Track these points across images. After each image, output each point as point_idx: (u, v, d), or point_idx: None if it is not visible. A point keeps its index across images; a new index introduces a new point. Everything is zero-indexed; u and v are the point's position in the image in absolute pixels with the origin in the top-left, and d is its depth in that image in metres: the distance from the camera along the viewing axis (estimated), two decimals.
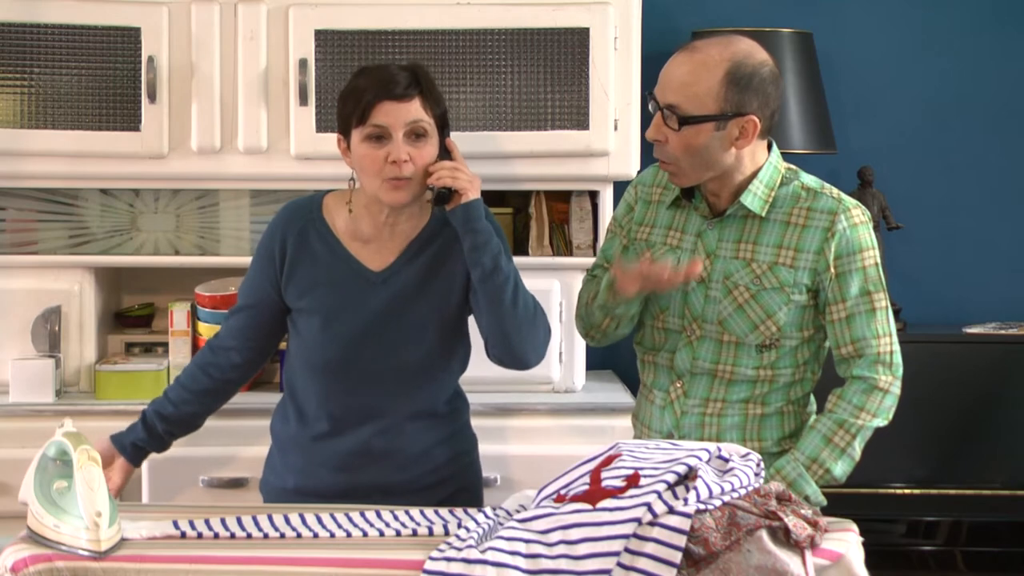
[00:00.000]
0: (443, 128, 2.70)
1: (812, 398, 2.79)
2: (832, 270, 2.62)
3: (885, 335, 2.65)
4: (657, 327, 2.73)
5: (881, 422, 2.66)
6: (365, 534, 2.38)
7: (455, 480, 2.79)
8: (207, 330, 3.56)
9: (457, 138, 2.79)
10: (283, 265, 2.74)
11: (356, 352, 2.69)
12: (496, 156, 3.52)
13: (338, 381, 2.71)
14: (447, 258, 2.72)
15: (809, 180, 2.70)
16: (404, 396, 2.72)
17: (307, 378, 2.74)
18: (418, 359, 2.71)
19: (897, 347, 2.67)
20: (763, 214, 2.64)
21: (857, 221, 2.65)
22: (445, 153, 2.69)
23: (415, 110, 2.63)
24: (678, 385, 2.71)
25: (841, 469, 2.63)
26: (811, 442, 2.63)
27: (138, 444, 2.78)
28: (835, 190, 2.69)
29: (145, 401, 3.46)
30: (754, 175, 2.65)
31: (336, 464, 2.72)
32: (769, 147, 2.69)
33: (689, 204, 2.71)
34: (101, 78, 3.50)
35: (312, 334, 2.72)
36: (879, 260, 2.68)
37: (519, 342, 2.70)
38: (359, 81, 2.67)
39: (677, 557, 2.15)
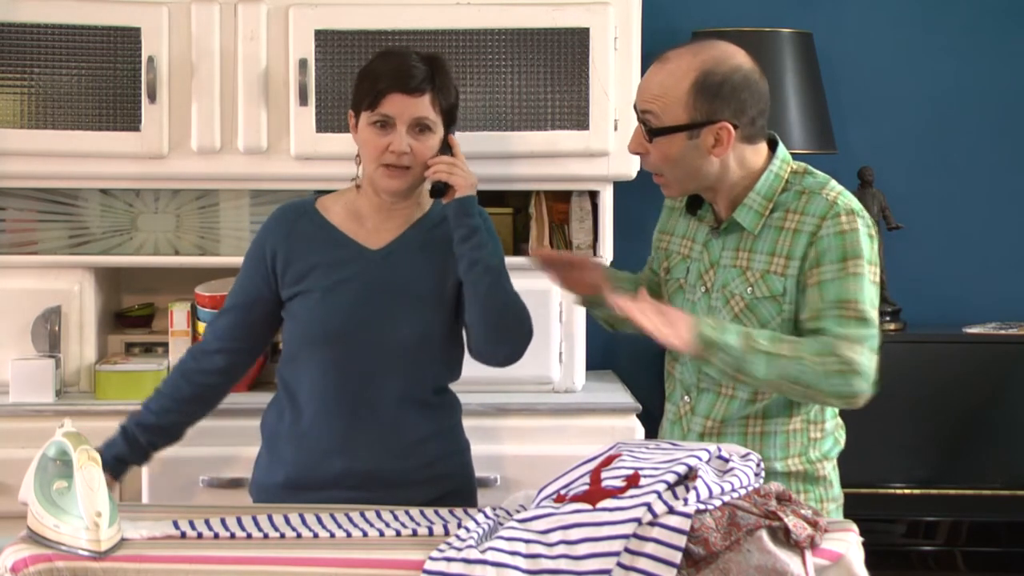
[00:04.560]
0: (450, 122, 2.76)
1: (831, 411, 2.68)
2: (808, 277, 2.53)
3: (854, 341, 2.48)
4: None
5: (822, 393, 2.47)
6: (365, 534, 2.38)
7: (450, 479, 2.80)
8: None
9: (457, 138, 2.80)
10: (275, 263, 2.76)
11: (355, 323, 2.71)
12: (496, 156, 3.52)
13: (336, 354, 2.71)
14: (444, 248, 2.76)
15: (812, 182, 2.60)
16: (398, 375, 2.72)
17: (303, 360, 2.74)
18: (416, 335, 2.73)
19: (868, 359, 2.49)
20: (755, 231, 2.57)
21: (845, 228, 2.52)
22: (446, 148, 2.75)
23: (423, 106, 2.68)
24: (686, 400, 2.68)
25: (762, 365, 2.44)
26: (763, 332, 2.50)
27: (120, 458, 2.75)
28: (835, 191, 2.57)
29: None
30: (754, 183, 2.59)
31: (330, 448, 2.72)
32: (774, 148, 2.63)
33: (694, 216, 2.69)
34: (101, 78, 3.50)
35: (311, 308, 2.73)
36: (863, 271, 2.52)
37: (497, 335, 2.75)
38: (377, 65, 2.73)
39: (677, 557, 2.15)
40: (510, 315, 2.75)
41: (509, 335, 2.76)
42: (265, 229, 2.81)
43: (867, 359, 2.49)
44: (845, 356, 2.47)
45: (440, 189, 2.73)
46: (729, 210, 2.61)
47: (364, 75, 2.74)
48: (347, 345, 2.71)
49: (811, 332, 2.52)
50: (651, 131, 2.55)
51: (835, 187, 2.60)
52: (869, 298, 2.53)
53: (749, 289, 2.58)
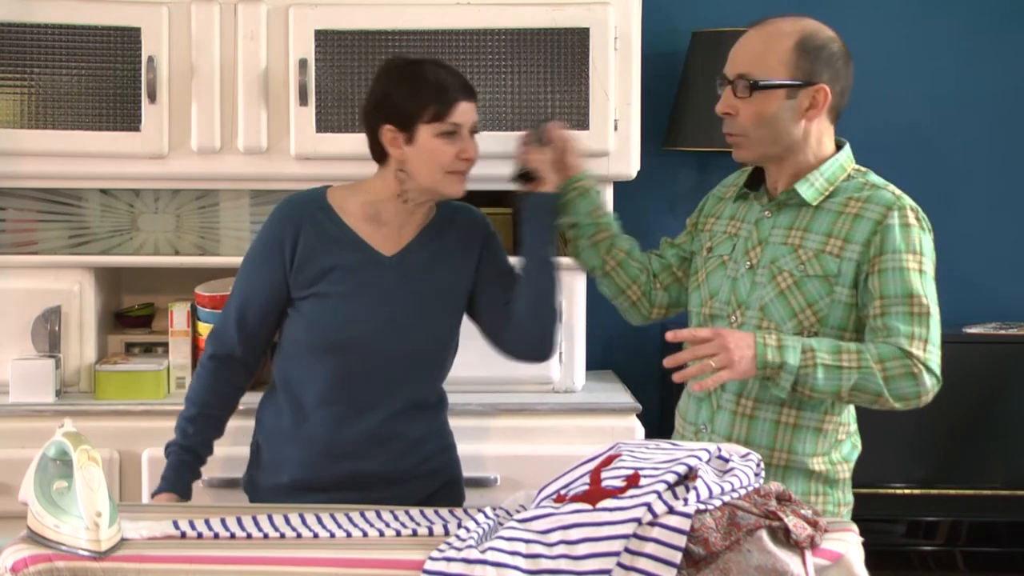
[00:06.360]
0: None
1: (852, 415, 2.70)
2: (872, 265, 2.57)
3: (921, 339, 2.55)
4: (704, 313, 2.72)
5: (888, 399, 2.53)
6: (365, 534, 2.38)
7: (444, 472, 2.85)
8: (207, 330, 3.55)
9: None
10: (294, 255, 2.75)
11: (371, 330, 2.73)
12: (496, 156, 3.50)
13: (348, 360, 2.73)
14: (455, 252, 2.80)
15: (876, 179, 2.68)
16: (408, 380, 2.76)
17: (310, 363, 2.75)
18: (428, 340, 2.77)
19: (936, 356, 2.56)
20: (814, 203, 2.62)
21: (912, 223, 2.58)
22: (536, 140, 2.90)
23: (475, 110, 2.79)
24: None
25: (824, 380, 2.50)
26: (824, 343, 2.53)
27: (195, 476, 2.84)
28: (898, 191, 2.64)
29: (145, 401, 3.49)
30: (820, 164, 2.64)
31: (339, 452, 2.74)
32: (840, 147, 2.69)
33: (753, 194, 2.72)
34: (101, 78, 3.50)
35: (323, 316, 2.74)
36: (927, 268, 2.58)
37: (548, 333, 2.82)
38: (438, 75, 2.74)
39: (677, 557, 2.15)
40: (557, 320, 2.83)
41: (553, 339, 2.83)
42: (278, 222, 2.79)
43: (935, 355, 2.57)
44: (914, 355, 2.53)
45: (526, 176, 2.84)
46: (788, 185, 2.65)
47: (423, 87, 2.71)
48: (360, 352, 2.73)
49: (876, 329, 2.55)
50: (753, 84, 2.59)
51: (899, 189, 2.67)
52: (932, 295, 2.60)
53: (801, 267, 2.60)
